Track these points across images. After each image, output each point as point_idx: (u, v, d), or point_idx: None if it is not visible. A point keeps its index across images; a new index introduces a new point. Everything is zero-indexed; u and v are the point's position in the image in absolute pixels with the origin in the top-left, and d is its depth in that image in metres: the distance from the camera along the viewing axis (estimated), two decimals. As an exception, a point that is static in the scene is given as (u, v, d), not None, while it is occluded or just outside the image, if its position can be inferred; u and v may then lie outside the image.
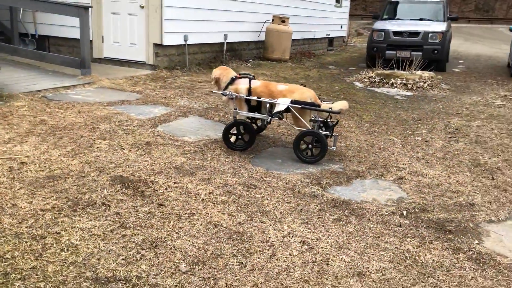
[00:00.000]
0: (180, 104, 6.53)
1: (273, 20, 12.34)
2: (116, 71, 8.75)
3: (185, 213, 3.42)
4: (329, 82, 9.84)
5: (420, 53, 11.76)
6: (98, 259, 2.78)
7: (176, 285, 2.61)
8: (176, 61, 9.67)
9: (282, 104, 4.70)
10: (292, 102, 4.72)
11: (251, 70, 10.46)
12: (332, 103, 4.93)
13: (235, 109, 4.91)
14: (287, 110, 4.74)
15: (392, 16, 13.64)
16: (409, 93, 8.98)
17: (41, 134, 4.79)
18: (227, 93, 4.84)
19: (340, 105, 4.87)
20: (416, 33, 12.09)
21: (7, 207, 3.29)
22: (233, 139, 4.90)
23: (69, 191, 3.59)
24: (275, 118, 4.75)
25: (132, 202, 3.50)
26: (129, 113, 5.84)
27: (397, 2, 14.10)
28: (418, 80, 9.40)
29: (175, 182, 3.91)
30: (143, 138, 4.97)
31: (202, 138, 5.20)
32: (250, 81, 4.96)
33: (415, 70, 10.06)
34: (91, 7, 7.71)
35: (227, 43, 11.04)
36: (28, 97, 6.17)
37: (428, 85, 9.35)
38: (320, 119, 4.90)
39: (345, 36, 19.56)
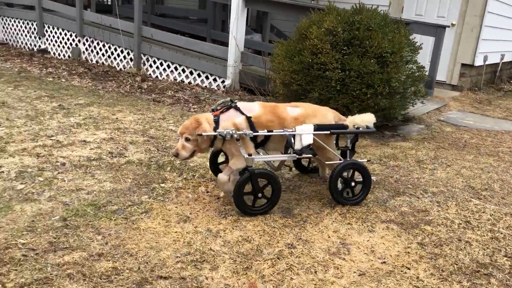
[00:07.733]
0: None
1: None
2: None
3: None
4: None
5: None
6: None
7: None
8: (473, 82, 9.37)
9: (305, 134, 3.27)
10: (315, 128, 3.35)
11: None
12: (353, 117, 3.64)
13: (250, 154, 3.23)
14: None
15: None
16: None
17: None
18: (226, 132, 3.16)
19: (369, 118, 3.60)
20: None
21: None
22: (262, 202, 3.32)
23: None
24: (308, 155, 3.36)
25: None
26: None
27: None
28: None
29: None
30: None
31: None
32: (237, 108, 3.34)
33: None
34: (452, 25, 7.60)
35: (502, 63, 10.59)
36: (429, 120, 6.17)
37: None
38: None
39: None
